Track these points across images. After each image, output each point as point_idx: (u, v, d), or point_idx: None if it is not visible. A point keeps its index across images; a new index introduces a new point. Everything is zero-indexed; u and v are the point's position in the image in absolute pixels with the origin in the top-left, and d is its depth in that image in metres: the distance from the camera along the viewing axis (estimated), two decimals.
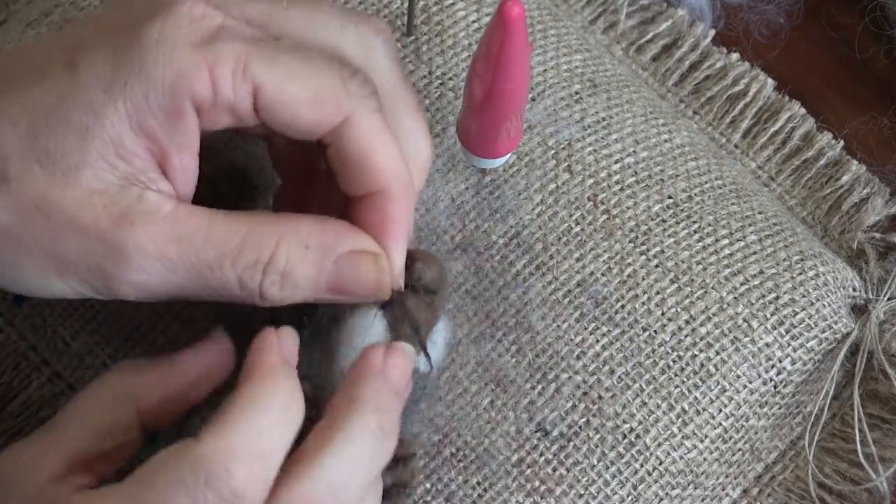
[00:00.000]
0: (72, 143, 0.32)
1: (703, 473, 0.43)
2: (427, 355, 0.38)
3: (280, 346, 0.34)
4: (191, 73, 0.31)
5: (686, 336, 0.43)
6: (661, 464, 0.42)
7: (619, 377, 0.43)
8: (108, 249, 0.33)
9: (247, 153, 0.44)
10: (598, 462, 0.42)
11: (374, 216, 0.35)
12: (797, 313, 0.45)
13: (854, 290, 0.47)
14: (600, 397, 0.42)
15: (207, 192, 0.43)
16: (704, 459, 0.43)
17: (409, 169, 0.35)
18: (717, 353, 0.43)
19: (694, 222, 0.46)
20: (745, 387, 0.43)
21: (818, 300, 0.45)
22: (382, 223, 0.35)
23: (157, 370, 0.36)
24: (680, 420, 0.43)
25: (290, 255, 0.34)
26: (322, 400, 0.35)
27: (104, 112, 0.32)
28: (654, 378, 0.43)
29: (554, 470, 0.42)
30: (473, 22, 0.47)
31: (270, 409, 0.31)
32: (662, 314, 0.44)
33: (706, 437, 0.43)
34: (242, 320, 0.37)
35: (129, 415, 0.35)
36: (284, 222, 0.34)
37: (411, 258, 0.38)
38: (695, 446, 0.43)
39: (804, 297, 0.45)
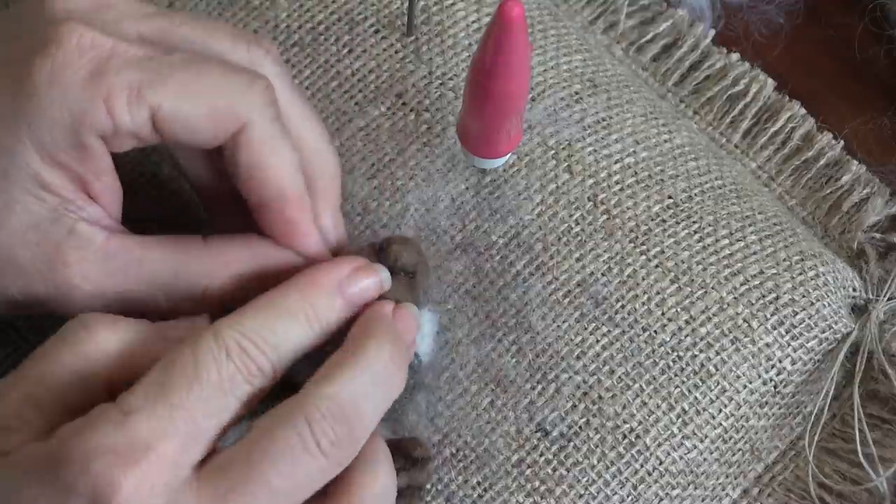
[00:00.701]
0: None
1: (703, 473, 0.43)
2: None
3: (395, 317, 0.36)
4: (87, 109, 0.32)
5: (686, 336, 0.43)
6: (661, 464, 0.42)
7: (619, 377, 0.43)
8: (47, 288, 0.34)
9: None
10: (598, 462, 0.42)
11: (278, 222, 0.36)
12: (797, 313, 0.45)
13: (854, 290, 0.47)
14: (600, 397, 0.42)
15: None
16: (704, 459, 0.43)
17: (316, 177, 0.37)
18: (717, 353, 0.43)
19: (694, 222, 0.46)
20: (745, 387, 0.43)
21: (818, 300, 0.45)
22: (287, 228, 0.36)
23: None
24: (680, 420, 0.43)
25: (222, 286, 0.35)
26: None
27: (16, 152, 0.33)
28: (654, 378, 0.43)
29: (554, 470, 0.42)
30: (473, 22, 0.47)
31: (377, 357, 0.33)
32: (662, 314, 0.44)
33: (706, 437, 0.43)
34: None
35: (95, 381, 0.35)
36: (213, 255, 0.36)
37: (387, 242, 0.39)
38: (695, 446, 0.43)
39: (804, 297, 0.45)
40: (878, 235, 0.50)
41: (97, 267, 0.34)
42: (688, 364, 0.43)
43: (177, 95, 0.33)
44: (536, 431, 0.42)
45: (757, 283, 0.45)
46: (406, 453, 0.38)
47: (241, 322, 0.32)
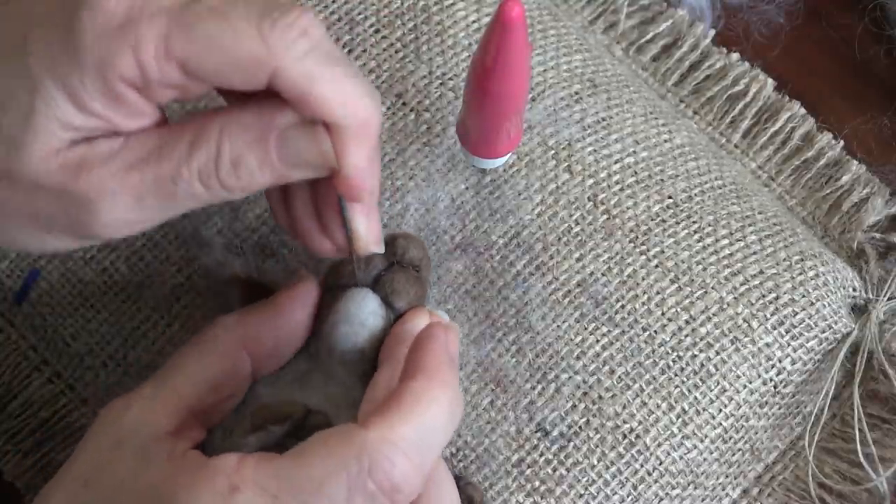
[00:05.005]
0: (21, 120, 0.33)
1: (703, 473, 0.43)
2: None
3: (447, 342, 0.35)
4: (116, 58, 0.32)
5: (686, 336, 0.43)
6: (661, 464, 0.42)
7: (619, 377, 0.43)
8: (75, 201, 0.34)
9: None
10: (598, 462, 0.42)
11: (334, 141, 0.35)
12: (797, 313, 0.45)
13: (854, 290, 0.47)
14: (600, 397, 0.42)
15: None
16: (704, 459, 0.43)
17: (365, 101, 0.35)
18: (717, 353, 0.43)
19: (694, 222, 0.46)
20: (745, 387, 0.43)
21: (818, 300, 0.45)
22: (337, 146, 0.35)
23: (266, 318, 0.38)
24: (680, 420, 0.43)
25: (234, 141, 0.34)
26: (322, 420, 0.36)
27: (49, 94, 0.33)
28: (654, 378, 0.43)
29: (554, 470, 0.42)
30: (473, 22, 0.47)
31: (440, 407, 0.32)
32: (662, 314, 0.44)
33: (706, 437, 0.43)
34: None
35: (244, 365, 0.37)
36: (225, 114, 0.35)
37: (392, 237, 0.39)
38: (695, 446, 0.43)
39: (804, 297, 0.45)
40: (878, 235, 0.50)
41: (120, 165, 0.34)
42: (688, 364, 0.43)
43: (203, 47, 0.32)
44: (536, 431, 0.42)
45: (757, 283, 0.45)
46: (469, 498, 0.40)
47: (393, 425, 0.32)
